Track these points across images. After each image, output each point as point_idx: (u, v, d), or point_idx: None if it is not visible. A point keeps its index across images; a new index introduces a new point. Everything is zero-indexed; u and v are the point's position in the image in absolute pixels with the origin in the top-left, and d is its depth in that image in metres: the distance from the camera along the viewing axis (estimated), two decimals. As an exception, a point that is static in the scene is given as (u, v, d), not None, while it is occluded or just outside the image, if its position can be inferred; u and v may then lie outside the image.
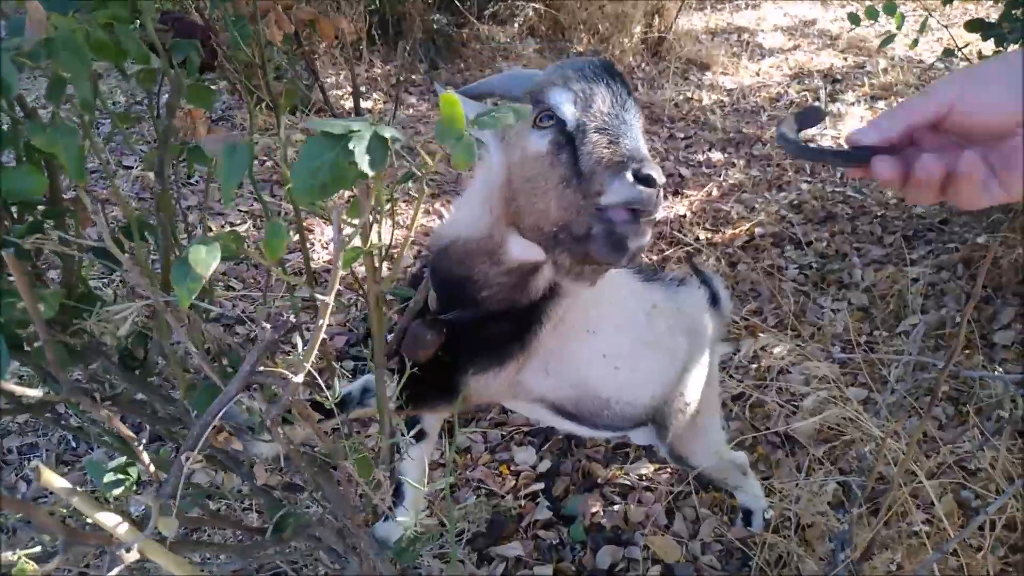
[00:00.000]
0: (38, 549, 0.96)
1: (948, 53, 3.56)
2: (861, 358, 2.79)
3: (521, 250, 1.40)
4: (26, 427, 2.66)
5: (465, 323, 1.52)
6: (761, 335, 3.05)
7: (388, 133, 0.85)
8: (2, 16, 0.98)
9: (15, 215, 1.10)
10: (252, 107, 1.36)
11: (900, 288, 3.29)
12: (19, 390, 0.83)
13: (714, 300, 2.01)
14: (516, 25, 6.06)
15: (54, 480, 0.96)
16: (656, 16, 6.37)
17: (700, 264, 3.32)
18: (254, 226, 3.78)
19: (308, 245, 1.98)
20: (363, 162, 0.77)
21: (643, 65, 6.14)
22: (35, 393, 0.85)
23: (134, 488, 1.08)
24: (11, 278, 0.92)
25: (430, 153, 0.87)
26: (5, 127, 0.97)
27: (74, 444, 2.61)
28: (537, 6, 6.09)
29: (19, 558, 0.89)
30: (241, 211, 3.87)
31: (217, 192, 3.94)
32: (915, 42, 3.68)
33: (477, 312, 1.52)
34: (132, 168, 4.06)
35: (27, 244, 0.98)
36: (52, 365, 0.86)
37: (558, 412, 1.79)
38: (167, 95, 1.22)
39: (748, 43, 6.77)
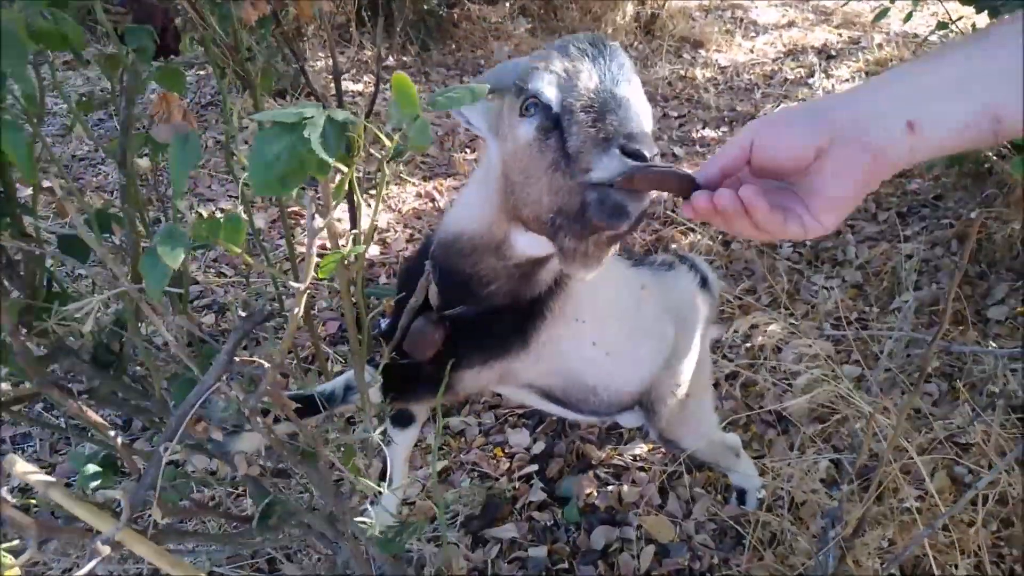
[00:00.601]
0: (17, 542, 0.95)
1: (942, 26, 3.52)
2: (853, 336, 2.78)
3: (527, 244, 1.37)
4: (19, 416, 2.65)
5: (468, 319, 1.50)
6: (754, 314, 3.04)
7: (341, 117, 0.82)
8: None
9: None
10: (225, 89, 1.33)
11: (894, 265, 3.28)
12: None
13: (703, 282, 2.00)
14: (507, 5, 6.00)
15: (27, 472, 0.95)
16: (649, -7, 6.32)
17: (683, 251, 3.31)
18: (244, 211, 3.75)
19: (294, 233, 1.96)
20: (319, 149, 0.74)
21: (636, 43, 6.08)
22: (5, 387, 0.84)
23: (115, 480, 1.07)
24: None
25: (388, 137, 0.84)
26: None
27: (67, 435, 2.60)
28: (528, -15, 6.03)
29: (-6, 550, 0.88)
30: (232, 196, 3.85)
31: (208, 178, 3.92)
32: (909, 15, 3.65)
33: (480, 307, 1.50)
34: (93, 161, 4.03)
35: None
36: (23, 359, 0.84)
37: (545, 397, 1.79)
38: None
39: (742, 20, 6.71)
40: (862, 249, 3.50)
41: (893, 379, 2.56)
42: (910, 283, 3.17)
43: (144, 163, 4.06)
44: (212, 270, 3.32)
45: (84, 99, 1.21)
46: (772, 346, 2.90)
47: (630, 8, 6.17)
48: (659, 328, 1.85)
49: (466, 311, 1.50)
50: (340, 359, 2.85)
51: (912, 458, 1.68)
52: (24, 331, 0.94)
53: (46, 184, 1.14)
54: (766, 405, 2.61)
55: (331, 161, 0.74)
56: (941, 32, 3.58)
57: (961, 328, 2.92)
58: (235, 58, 1.31)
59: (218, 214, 3.54)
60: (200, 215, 3.36)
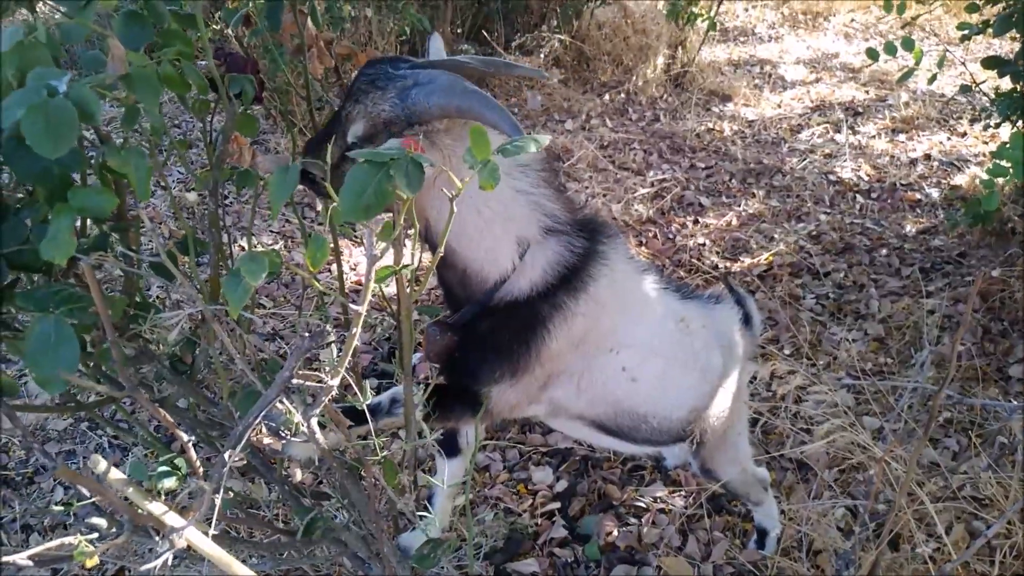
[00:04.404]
0: (94, 535, 1.05)
1: (966, 89, 3.62)
2: (871, 386, 2.83)
3: None
4: (64, 434, 2.78)
5: (475, 328, 1.61)
6: (775, 363, 3.10)
7: (423, 160, 0.95)
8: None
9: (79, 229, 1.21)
10: (295, 133, 1.46)
11: (916, 320, 3.33)
12: (88, 384, 0.92)
13: (746, 320, 2.08)
14: (542, 56, 6.21)
15: (108, 471, 1.05)
16: (679, 48, 6.50)
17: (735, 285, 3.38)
18: (284, 246, 3.91)
19: (338, 265, 2.09)
20: (402, 185, 0.87)
21: (666, 96, 6.25)
22: (102, 388, 0.95)
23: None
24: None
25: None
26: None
27: (109, 451, 2.72)
28: (563, 38, 6.24)
29: (80, 541, 0.98)
30: (272, 232, 4.01)
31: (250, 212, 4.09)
32: (933, 78, 3.75)
33: (470, 308, 1.61)
34: (168, 188, 4.22)
35: (91, 260, 1.08)
36: (118, 364, 0.95)
37: (598, 428, 1.87)
38: (218, 123, 1.33)
39: (770, 75, 6.86)
40: (885, 303, 3.55)
41: (910, 430, 2.60)
42: (932, 338, 3.21)
43: (192, 197, 4.23)
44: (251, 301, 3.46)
45: (180, 138, 1.35)
46: (793, 394, 2.95)
47: (661, 61, 6.35)
48: (705, 358, 1.92)
49: (463, 313, 1.61)
50: (371, 391, 2.95)
51: (925, 505, 1.72)
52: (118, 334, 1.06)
53: (132, 213, 1.27)
54: (785, 450, 2.66)
55: (410, 195, 0.86)
56: (966, 94, 3.68)
57: (983, 385, 2.96)
58: (308, 107, 1.44)
59: (258, 247, 3.69)
60: (242, 247, 3.50)
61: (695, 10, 6.08)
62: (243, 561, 1.85)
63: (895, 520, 1.56)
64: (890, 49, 3.32)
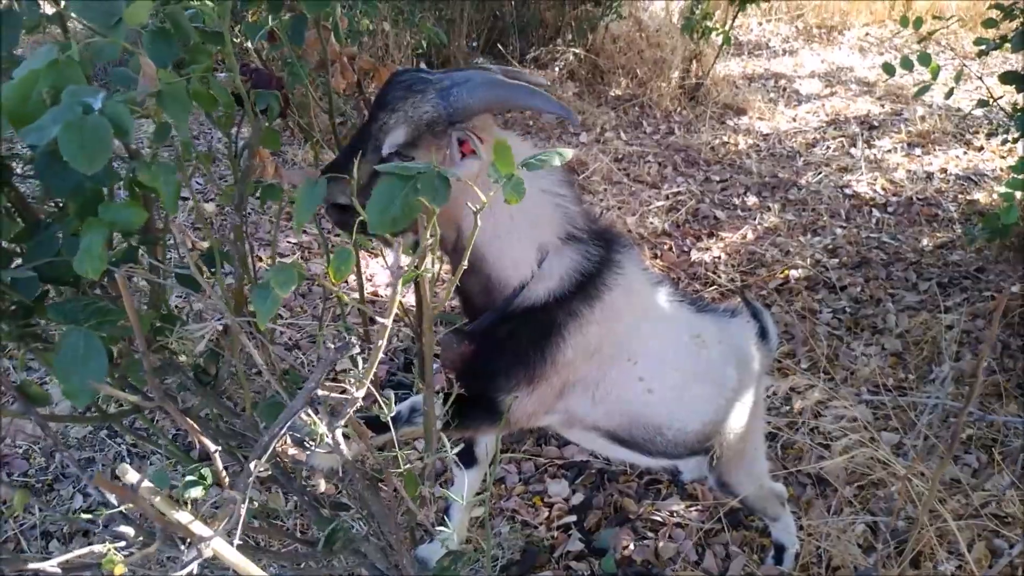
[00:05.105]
0: (122, 544, 1.06)
1: (983, 104, 3.61)
2: (891, 403, 2.81)
3: None
4: (83, 442, 2.80)
5: (485, 330, 1.62)
6: (796, 377, 3.08)
7: (449, 174, 0.96)
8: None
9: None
10: (316, 147, 1.49)
11: (934, 335, 3.31)
12: (119, 393, 0.94)
13: (763, 333, 2.08)
14: (557, 69, 6.24)
15: (135, 479, 1.06)
16: (694, 62, 6.51)
17: (755, 300, 3.37)
18: (301, 257, 3.94)
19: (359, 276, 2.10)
20: (429, 198, 0.88)
21: (680, 109, 6.26)
22: (133, 398, 0.96)
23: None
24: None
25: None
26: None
27: (128, 459, 2.74)
28: (578, 51, 6.27)
29: (108, 550, 0.99)
30: (290, 242, 4.04)
31: (268, 224, 4.12)
32: (950, 92, 3.74)
33: (488, 316, 1.62)
34: (188, 200, 4.27)
35: (121, 272, 1.10)
36: (148, 376, 0.97)
37: (613, 440, 1.87)
38: (241, 138, 1.35)
39: (785, 89, 6.86)
40: (902, 318, 3.53)
41: (931, 447, 2.58)
42: (950, 353, 3.19)
43: (209, 207, 4.27)
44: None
45: (203, 151, 1.38)
46: (811, 409, 2.93)
47: (675, 75, 6.37)
48: (721, 370, 1.92)
49: (481, 321, 1.62)
50: (387, 401, 2.96)
51: (947, 522, 1.71)
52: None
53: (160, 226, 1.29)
54: (804, 466, 2.64)
55: (436, 209, 0.87)
56: (983, 108, 3.67)
57: (1003, 401, 2.93)
58: (330, 121, 1.46)
59: (277, 259, 3.72)
60: (259, 258, 3.51)
61: (710, 24, 6.09)
62: (263, 570, 1.87)
63: (917, 538, 1.55)
64: (907, 64, 3.32)
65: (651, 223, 4.43)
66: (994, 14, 3.54)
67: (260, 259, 3.68)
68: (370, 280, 3.76)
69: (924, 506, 1.42)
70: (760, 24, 8.65)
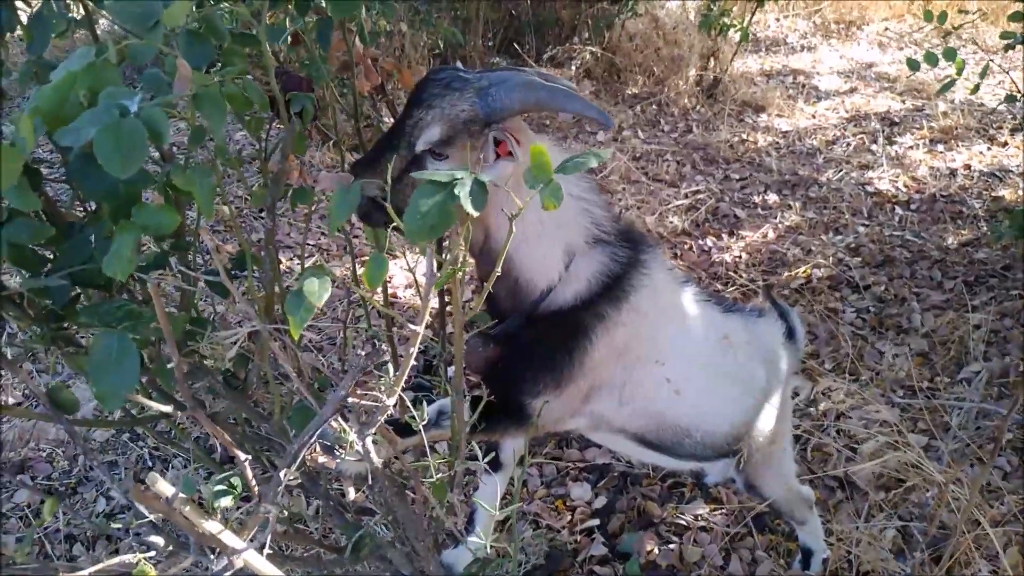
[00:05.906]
0: (152, 553, 1.05)
1: (1010, 99, 3.55)
2: (923, 404, 2.77)
3: None
4: (106, 446, 2.81)
5: (519, 340, 1.60)
6: (820, 378, 3.04)
7: (486, 178, 0.94)
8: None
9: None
10: (341, 148, 1.47)
11: (961, 334, 3.25)
12: (151, 403, 0.93)
13: (790, 333, 2.05)
14: (573, 68, 6.21)
15: (166, 489, 1.05)
16: (711, 59, 6.46)
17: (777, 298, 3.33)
18: (324, 260, 3.94)
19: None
20: (467, 204, 0.86)
21: (698, 107, 6.21)
22: (166, 409, 0.95)
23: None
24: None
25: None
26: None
27: (150, 463, 2.74)
28: (594, 49, 6.23)
29: (139, 560, 0.98)
30: (310, 245, 4.04)
31: (286, 226, 4.12)
32: (976, 87, 3.68)
33: (515, 319, 1.60)
34: (230, 205, 4.28)
35: (154, 278, 1.09)
36: (179, 382, 0.95)
37: (640, 442, 1.84)
38: (272, 141, 1.34)
39: (804, 86, 6.79)
40: (928, 317, 3.48)
41: (962, 450, 2.54)
42: (978, 353, 3.14)
43: (226, 210, 4.29)
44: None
45: (235, 155, 1.37)
46: (837, 411, 2.89)
47: (693, 72, 6.32)
48: (749, 372, 1.89)
49: (508, 324, 1.60)
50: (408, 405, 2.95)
51: (985, 531, 1.67)
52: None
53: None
54: (832, 470, 2.60)
55: (475, 214, 0.85)
56: (1009, 104, 3.61)
57: (1033, 402, 2.88)
58: (355, 124, 1.45)
59: (296, 262, 3.70)
60: (279, 261, 3.50)
61: (727, 21, 6.04)
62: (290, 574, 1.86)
63: (955, 545, 1.52)
64: (931, 59, 3.27)
65: (670, 222, 4.39)
66: (1021, 7, 3.48)
67: (281, 262, 3.67)
68: (388, 281, 3.75)
69: (963, 514, 1.38)
70: (777, 20, 8.58)
